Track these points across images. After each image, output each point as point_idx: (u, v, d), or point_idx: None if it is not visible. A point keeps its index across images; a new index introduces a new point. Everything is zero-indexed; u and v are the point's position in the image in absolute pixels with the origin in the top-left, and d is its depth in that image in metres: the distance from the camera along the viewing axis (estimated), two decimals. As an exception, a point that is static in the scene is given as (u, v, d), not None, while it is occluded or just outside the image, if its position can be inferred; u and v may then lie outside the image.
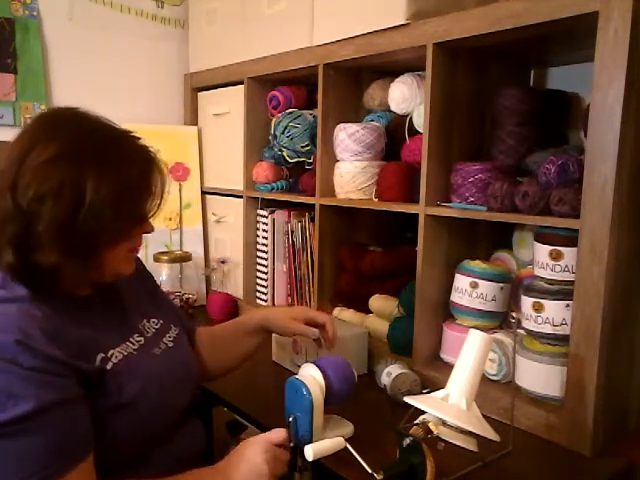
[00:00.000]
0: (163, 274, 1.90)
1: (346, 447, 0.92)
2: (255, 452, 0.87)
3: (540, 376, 1.14)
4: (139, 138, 0.89)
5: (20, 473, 0.71)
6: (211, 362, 1.18)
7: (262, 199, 1.83)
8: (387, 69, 1.54)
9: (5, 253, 0.79)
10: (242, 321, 1.23)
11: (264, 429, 1.04)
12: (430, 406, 0.90)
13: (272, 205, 1.83)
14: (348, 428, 1.08)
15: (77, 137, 0.82)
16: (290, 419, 1.01)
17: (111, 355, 0.86)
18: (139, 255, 1.04)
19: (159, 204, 0.90)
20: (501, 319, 1.32)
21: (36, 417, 0.72)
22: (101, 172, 0.80)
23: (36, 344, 0.75)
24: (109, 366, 0.85)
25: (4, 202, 0.79)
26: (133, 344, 0.93)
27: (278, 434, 0.91)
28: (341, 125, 1.50)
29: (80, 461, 0.76)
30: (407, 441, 0.88)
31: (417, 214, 1.29)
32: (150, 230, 0.92)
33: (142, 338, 0.96)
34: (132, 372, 0.88)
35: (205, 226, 2.10)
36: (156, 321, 1.03)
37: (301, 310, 1.19)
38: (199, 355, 1.16)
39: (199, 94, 2.13)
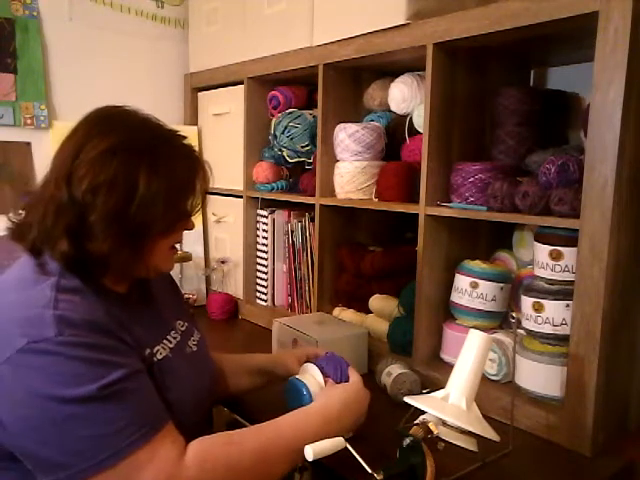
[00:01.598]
0: (163, 274, 1.90)
1: (346, 447, 0.92)
2: (357, 396, 0.97)
3: (540, 376, 1.14)
4: (185, 137, 0.91)
5: (122, 432, 0.73)
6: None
7: (262, 199, 1.83)
8: (387, 69, 1.54)
9: (60, 243, 0.80)
10: (248, 361, 1.20)
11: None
12: (430, 406, 0.90)
13: (272, 205, 1.83)
14: (348, 428, 1.08)
15: (130, 132, 0.84)
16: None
17: (156, 351, 0.89)
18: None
19: (202, 201, 0.92)
20: (501, 319, 1.32)
21: (129, 380, 0.76)
22: (153, 167, 0.82)
23: (109, 327, 0.78)
24: (155, 361, 0.87)
25: (59, 194, 0.80)
26: (169, 343, 0.94)
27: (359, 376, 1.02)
28: (341, 125, 1.50)
29: (167, 421, 0.79)
30: (407, 441, 0.88)
31: (417, 214, 1.29)
32: (191, 227, 0.94)
33: (175, 339, 0.97)
34: (172, 372, 0.89)
35: (205, 226, 2.10)
36: (182, 323, 1.04)
37: (304, 350, 1.17)
38: None
39: (199, 94, 2.13)
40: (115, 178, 0.79)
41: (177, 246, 0.95)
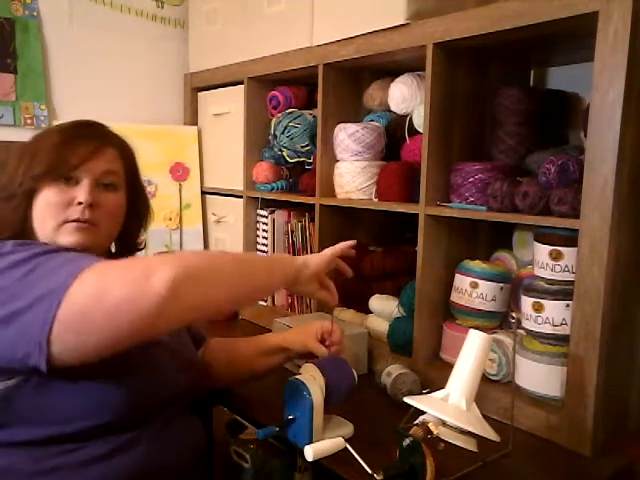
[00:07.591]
0: (163, 274, 1.89)
1: (346, 447, 0.92)
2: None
3: (540, 376, 1.14)
4: (77, 122, 1.02)
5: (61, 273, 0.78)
6: (225, 372, 1.20)
7: (262, 199, 1.83)
8: (387, 69, 1.54)
9: None
10: (263, 342, 1.22)
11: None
12: (430, 406, 0.90)
13: (272, 205, 1.83)
14: (348, 428, 1.08)
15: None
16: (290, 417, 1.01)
17: None
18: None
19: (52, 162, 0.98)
20: (501, 319, 1.32)
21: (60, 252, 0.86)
22: (20, 150, 0.98)
23: None
24: None
25: None
26: None
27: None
28: (341, 125, 1.50)
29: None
30: (407, 441, 0.88)
31: (417, 214, 1.29)
32: (76, 198, 0.95)
33: None
34: None
35: (205, 226, 2.10)
36: None
37: (318, 325, 1.18)
38: (209, 362, 1.19)
39: (199, 94, 2.13)
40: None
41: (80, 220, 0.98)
